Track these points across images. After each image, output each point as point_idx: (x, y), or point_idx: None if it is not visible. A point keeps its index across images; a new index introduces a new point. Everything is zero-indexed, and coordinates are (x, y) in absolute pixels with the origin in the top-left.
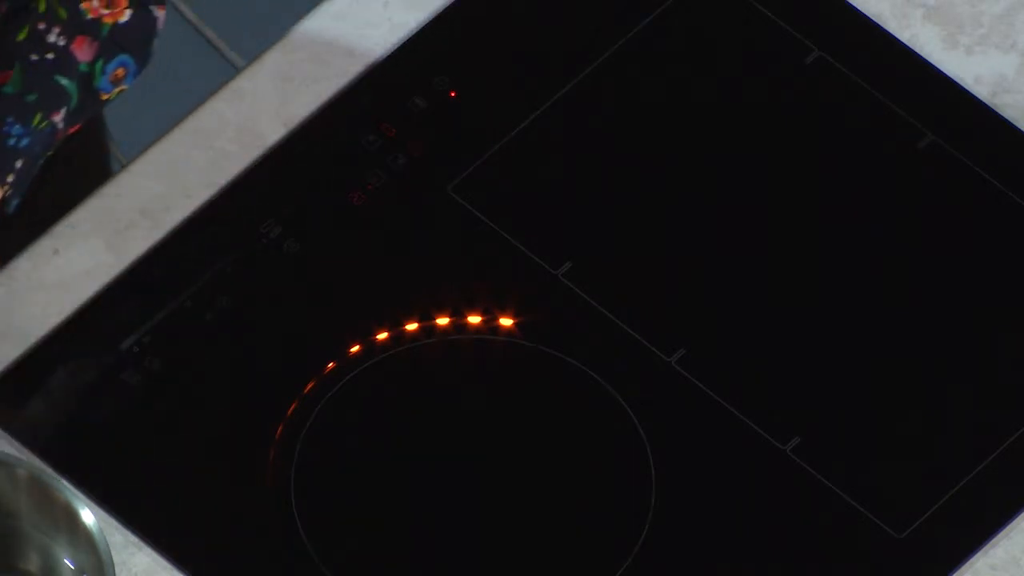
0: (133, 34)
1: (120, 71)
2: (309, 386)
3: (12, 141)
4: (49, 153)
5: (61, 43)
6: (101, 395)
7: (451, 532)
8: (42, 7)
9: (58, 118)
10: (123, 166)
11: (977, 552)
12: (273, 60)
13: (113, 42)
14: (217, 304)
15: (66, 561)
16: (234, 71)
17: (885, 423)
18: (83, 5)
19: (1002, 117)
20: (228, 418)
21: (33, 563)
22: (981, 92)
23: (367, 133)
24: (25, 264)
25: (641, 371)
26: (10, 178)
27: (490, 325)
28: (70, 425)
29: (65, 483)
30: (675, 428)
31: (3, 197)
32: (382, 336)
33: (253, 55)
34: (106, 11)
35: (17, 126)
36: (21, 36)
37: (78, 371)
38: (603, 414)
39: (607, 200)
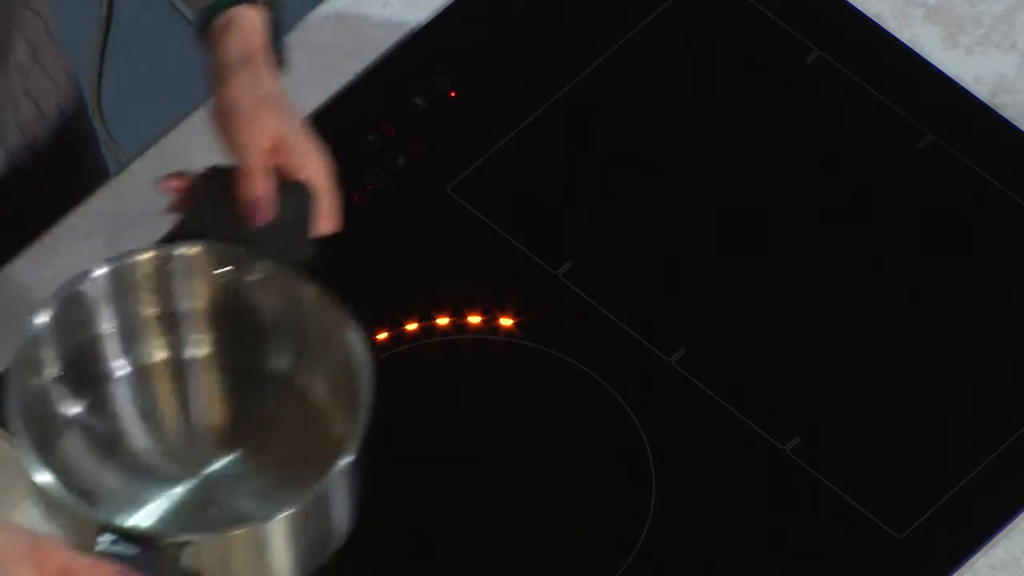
0: None
1: None
2: None
3: None
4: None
5: None
6: None
7: (451, 532)
8: None
9: None
10: (123, 166)
11: (977, 552)
12: None
13: None
14: None
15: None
16: None
17: (885, 423)
18: None
19: (1002, 117)
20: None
21: (283, 363)
22: (981, 92)
23: (367, 133)
24: (25, 264)
25: (641, 371)
26: None
27: (490, 325)
28: None
29: (337, 301)
30: (675, 428)
31: None
32: (382, 336)
33: None
34: None
35: None
36: None
37: None
38: (603, 414)
39: (607, 200)
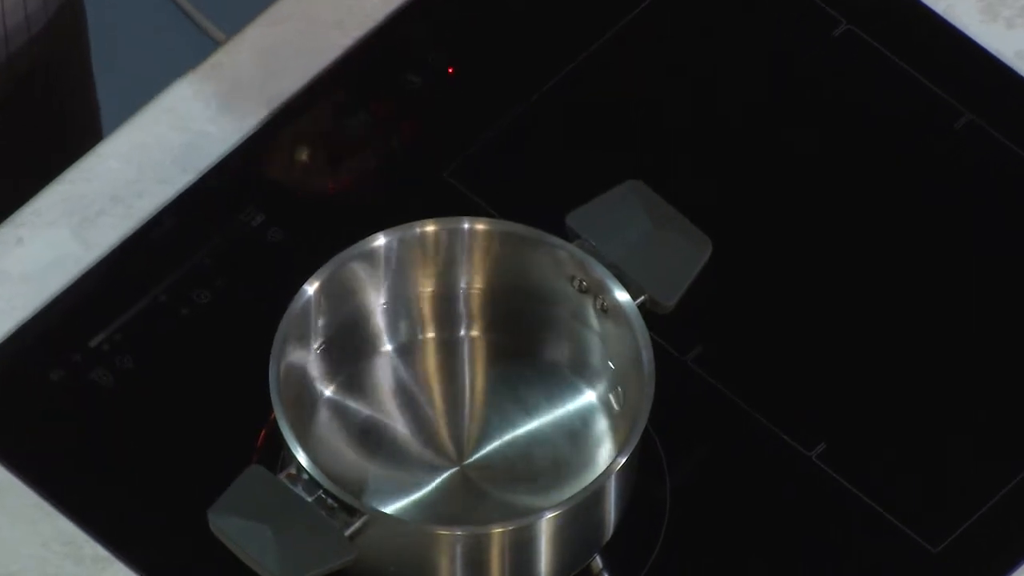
0: None
1: None
2: None
3: None
4: None
5: None
6: (69, 396)
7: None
8: None
9: None
10: (92, 148)
11: (1019, 567)
12: (256, 33)
13: None
14: (194, 298)
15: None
16: (213, 45)
17: (918, 428)
18: None
19: None
20: (206, 422)
21: (562, 356)
22: (1022, 68)
23: (357, 112)
24: None
25: (657, 372)
26: None
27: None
28: (36, 428)
29: (632, 308)
30: (692, 432)
31: None
32: None
33: (234, 28)
34: None
35: None
36: None
37: (44, 370)
38: None
39: (611, 186)
